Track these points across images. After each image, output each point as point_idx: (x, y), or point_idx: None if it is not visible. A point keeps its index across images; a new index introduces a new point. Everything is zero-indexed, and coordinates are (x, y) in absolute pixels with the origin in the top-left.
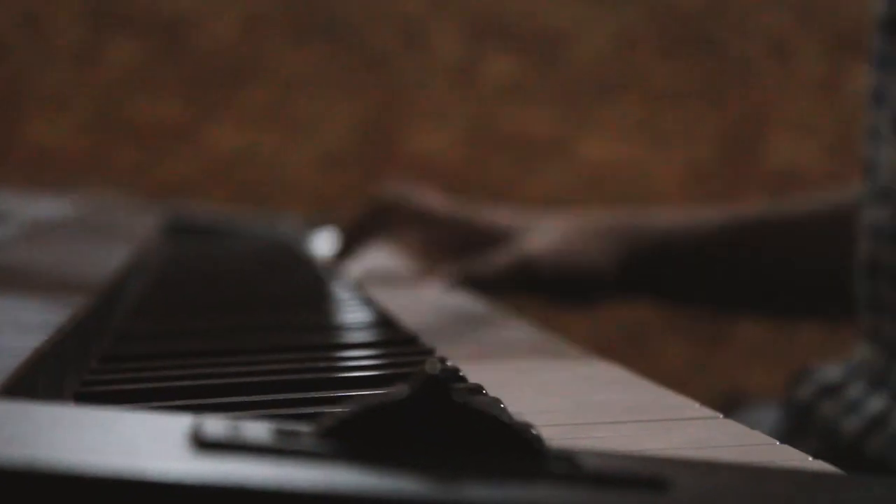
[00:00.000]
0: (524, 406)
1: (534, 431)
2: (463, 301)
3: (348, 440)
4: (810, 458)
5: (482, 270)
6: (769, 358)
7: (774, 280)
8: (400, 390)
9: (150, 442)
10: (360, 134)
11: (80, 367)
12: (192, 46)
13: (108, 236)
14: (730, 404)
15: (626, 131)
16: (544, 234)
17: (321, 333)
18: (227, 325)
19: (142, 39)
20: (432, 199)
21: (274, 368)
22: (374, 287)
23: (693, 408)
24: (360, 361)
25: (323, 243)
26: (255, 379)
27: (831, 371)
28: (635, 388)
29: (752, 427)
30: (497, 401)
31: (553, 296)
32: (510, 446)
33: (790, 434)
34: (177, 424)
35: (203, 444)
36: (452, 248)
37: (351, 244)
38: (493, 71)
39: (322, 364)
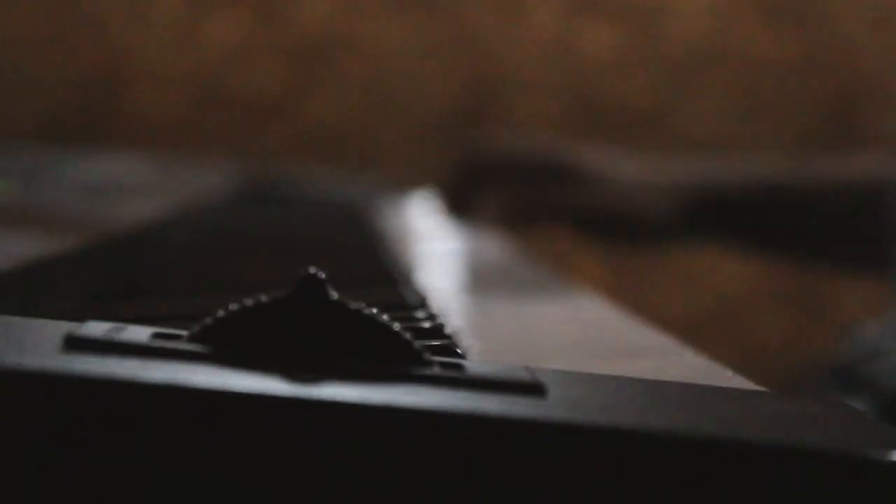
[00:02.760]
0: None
1: (412, 336)
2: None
3: (223, 342)
4: (753, 386)
5: (548, 203)
6: None
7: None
8: (279, 292)
9: (27, 342)
10: (454, 106)
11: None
12: (291, 18)
13: (154, 194)
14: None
15: (725, 103)
16: (616, 179)
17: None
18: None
19: (242, 12)
20: (525, 142)
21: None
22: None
23: (661, 340)
24: None
25: (416, 207)
26: None
27: (870, 332)
28: (620, 327)
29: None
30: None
31: (614, 238)
32: (388, 350)
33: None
34: (60, 327)
35: (77, 343)
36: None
37: (456, 201)
38: (591, 44)
39: None
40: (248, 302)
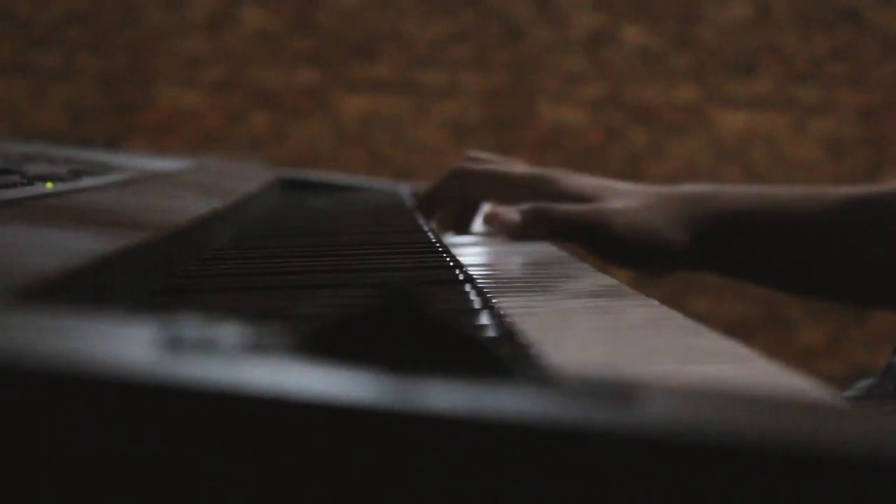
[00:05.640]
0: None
1: (503, 347)
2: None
3: (317, 348)
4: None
5: (556, 211)
6: None
7: (858, 267)
8: (372, 304)
9: (120, 343)
10: (491, 104)
11: (122, 293)
12: (324, 16)
13: (205, 191)
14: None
15: (762, 105)
16: (622, 195)
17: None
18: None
19: (274, 8)
20: (513, 165)
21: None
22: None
23: (734, 347)
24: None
25: None
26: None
27: None
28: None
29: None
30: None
31: (622, 257)
32: (479, 360)
33: (885, 397)
34: (151, 328)
35: (174, 345)
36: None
37: (426, 208)
38: (626, 42)
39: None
40: (341, 312)
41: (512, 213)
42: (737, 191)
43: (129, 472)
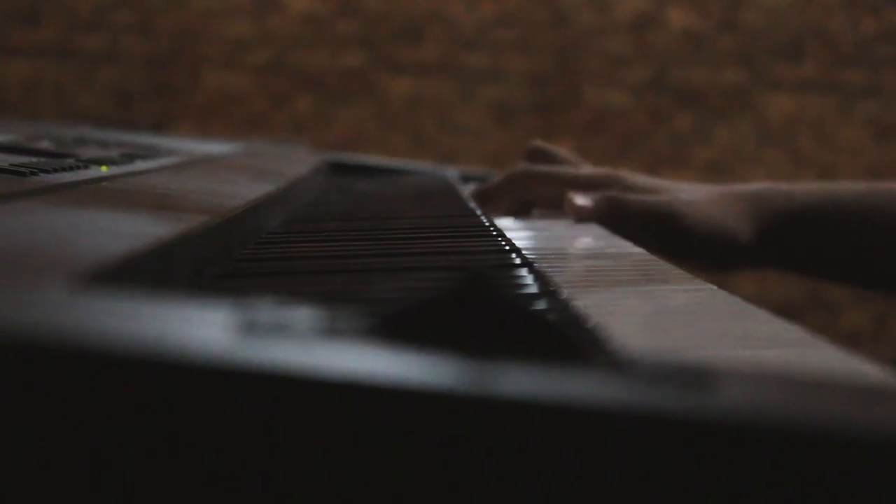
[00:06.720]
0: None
1: (572, 331)
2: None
3: (391, 332)
4: None
5: (630, 201)
6: None
7: None
8: (442, 288)
9: (197, 328)
10: (536, 87)
11: (185, 278)
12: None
13: (258, 174)
14: None
15: (809, 88)
16: (690, 192)
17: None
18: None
19: None
20: (578, 166)
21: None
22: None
23: (791, 330)
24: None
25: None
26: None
27: None
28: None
29: None
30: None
31: (689, 250)
32: (552, 345)
33: None
34: (226, 312)
35: (249, 328)
36: None
37: (481, 204)
38: (671, 25)
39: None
40: (416, 297)
41: (584, 198)
42: (800, 188)
43: (207, 456)
